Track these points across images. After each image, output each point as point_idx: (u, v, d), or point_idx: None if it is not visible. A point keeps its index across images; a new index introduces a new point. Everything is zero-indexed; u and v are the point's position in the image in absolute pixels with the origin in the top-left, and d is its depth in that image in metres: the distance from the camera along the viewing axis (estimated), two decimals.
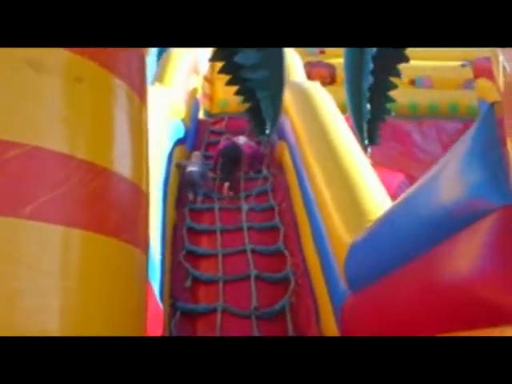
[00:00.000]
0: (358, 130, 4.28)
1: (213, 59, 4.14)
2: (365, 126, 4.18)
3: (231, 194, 8.03)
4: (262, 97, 4.32)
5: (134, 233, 2.14)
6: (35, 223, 1.79)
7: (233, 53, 3.99)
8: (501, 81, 2.17)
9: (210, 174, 8.34)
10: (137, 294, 2.15)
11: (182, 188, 7.94)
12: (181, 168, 8.17)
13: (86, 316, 1.89)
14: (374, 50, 4.40)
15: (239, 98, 4.60)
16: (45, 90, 1.95)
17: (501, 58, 2.24)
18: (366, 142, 4.29)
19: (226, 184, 8.08)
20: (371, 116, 4.21)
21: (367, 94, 3.99)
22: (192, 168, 7.96)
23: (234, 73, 4.22)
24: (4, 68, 1.90)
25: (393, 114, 5.25)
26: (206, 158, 8.95)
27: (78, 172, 1.91)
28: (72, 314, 1.86)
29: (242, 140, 8.65)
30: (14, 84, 1.89)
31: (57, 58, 1.98)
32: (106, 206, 2.00)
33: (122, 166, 2.11)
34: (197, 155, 8.54)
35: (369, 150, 4.40)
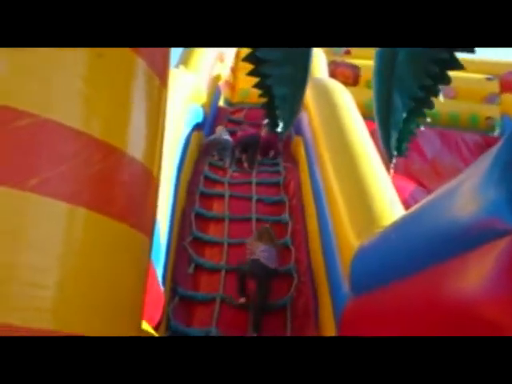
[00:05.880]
0: (385, 140, 4.16)
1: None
2: (394, 137, 4.07)
3: (246, 166, 8.54)
4: (278, 94, 4.21)
5: (140, 217, 2.08)
6: (39, 197, 1.74)
7: None
8: None
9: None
10: (136, 279, 2.10)
11: (207, 153, 8.63)
12: (209, 139, 8.91)
13: (81, 295, 1.85)
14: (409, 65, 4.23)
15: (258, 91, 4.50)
16: (64, 62, 1.89)
17: None
18: (395, 153, 4.18)
19: (245, 163, 8.60)
20: (403, 128, 4.10)
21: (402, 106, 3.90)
22: (226, 137, 8.94)
23: (256, 65, 4.11)
24: None
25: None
26: None
27: (87, 149, 1.85)
28: (68, 293, 1.82)
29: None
30: (35, 53, 1.83)
31: None
32: (114, 187, 1.94)
33: (135, 147, 2.04)
34: (222, 128, 9.24)
35: (394, 160, 4.29)
